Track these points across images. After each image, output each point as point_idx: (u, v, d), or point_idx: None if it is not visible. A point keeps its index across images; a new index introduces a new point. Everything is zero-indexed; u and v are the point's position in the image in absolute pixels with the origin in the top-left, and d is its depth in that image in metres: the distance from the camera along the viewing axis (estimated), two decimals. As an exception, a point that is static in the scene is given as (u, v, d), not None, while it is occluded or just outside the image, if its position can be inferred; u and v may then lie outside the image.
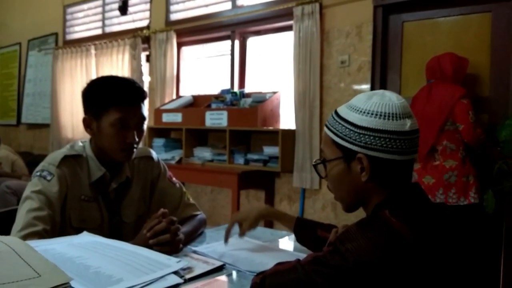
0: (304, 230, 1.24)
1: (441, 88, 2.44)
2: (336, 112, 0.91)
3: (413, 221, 0.78)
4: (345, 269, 0.74)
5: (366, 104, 0.85)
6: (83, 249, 1.00)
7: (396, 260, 0.73)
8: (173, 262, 0.97)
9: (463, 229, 0.84)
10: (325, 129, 0.93)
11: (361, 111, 0.85)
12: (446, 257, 0.77)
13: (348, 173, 0.88)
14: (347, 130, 0.86)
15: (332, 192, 0.95)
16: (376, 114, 0.84)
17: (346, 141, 0.86)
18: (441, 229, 0.80)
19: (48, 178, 1.27)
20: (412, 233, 0.76)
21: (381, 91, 0.89)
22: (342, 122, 0.87)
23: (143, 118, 1.35)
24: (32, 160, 4.89)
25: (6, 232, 1.39)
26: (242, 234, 1.28)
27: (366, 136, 0.83)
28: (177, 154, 3.81)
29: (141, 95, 1.34)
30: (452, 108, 2.36)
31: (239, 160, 3.44)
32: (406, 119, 0.84)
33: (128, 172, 1.43)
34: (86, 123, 1.36)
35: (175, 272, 0.94)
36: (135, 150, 1.35)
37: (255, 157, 3.39)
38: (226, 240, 1.28)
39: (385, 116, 0.83)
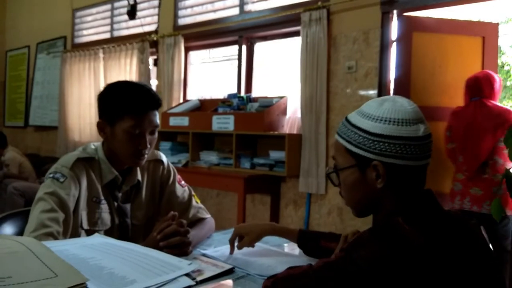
0: (308, 242, 1.25)
1: (493, 108, 2.56)
2: (347, 120, 0.91)
3: (426, 228, 0.78)
4: (358, 276, 0.74)
5: (378, 110, 0.85)
6: (96, 251, 1.02)
7: (409, 268, 0.73)
8: (184, 265, 0.98)
9: (477, 236, 0.83)
10: (337, 136, 0.92)
11: (373, 118, 0.85)
12: (459, 264, 0.77)
13: (362, 181, 0.87)
14: (360, 137, 0.85)
15: (345, 199, 0.94)
16: (390, 121, 0.83)
17: (361, 148, 0.85)
18: (454, 236, 0.80)
19: (61, 180, 1.29)
20: (426, 240, 0.75)
21: (392, 96, 0.89)
22: (355, 130, 0.87)
23: (156, 125, 1.37)
24: (39, 162, 4.93)
25: (16, 233, 1.41)
26: (241, 247, 1.28)
27: (381, 143, 0.83)
28: (183, 157, 3.83)
29: (156, 103, 1.36)
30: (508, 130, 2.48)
31: (245, 164, 3.45)
32: (419, 124, 0.84)
33: (139, 176, 1.44)
34: (100, 127, 1.38)
35: (187, 275, 0.95)
36: (146, 155, 1.37)
37: (261, 161, 3.40)
38: (231, 251, 1.29)
39: (398, 122, 0.83)
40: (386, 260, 0.73)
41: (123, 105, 1.31)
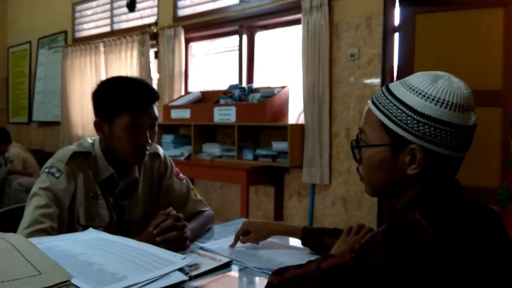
0: (312, 240, 1.21)
1: None
2: (389, 90, 0.80)
3: (446, 225, 0.70)
4: (369, 280, 0.69)
5: (431, 88, 0.75)
6: (88, 246, 0.99)
7: (427, 273, 0.67)
8: (178, 259, 0.95)
9: (500, 230, 0.75)
10: (373, 107, 0.81)
11: (424, 95, 0.75)
12: (479, 268, 0.70)
13: (392, 163, 0.78)
14: (403, 114, 0.75)
15: (363, 177, 0.85)
16: (442, 102, 0.74)
17: (401, 127, 0.76)
18: (476, 233, 0.72)
19: (57, 175, 1.26)
20: (444, 241, 0.68)
21: (446, 74, 0.78)
22: (398, 104, 0.76)
23: (156, 118, 1.34)
24: (43, 158, 4.92)
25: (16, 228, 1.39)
26: (245, 242, 1.27)
27: (426, 126, 0.74)
28: (186, 150, 3.81)
29: (154, 96, 1.33)
30: None
31: (248, 155, 3.41)
32: (470, 112, 0.75)
33: (136, 173, 1.41)
34: (98, 125, 1.34)
35: (181, 269, 0.92)
36: (148, 151, 1.34)
37: (264, 152, 3.37)
38: (234, 244, 1.27)
39: (451, 106, 0.74)
40: (401, 265, 0.67)
41: (120, 100, 1.28)
